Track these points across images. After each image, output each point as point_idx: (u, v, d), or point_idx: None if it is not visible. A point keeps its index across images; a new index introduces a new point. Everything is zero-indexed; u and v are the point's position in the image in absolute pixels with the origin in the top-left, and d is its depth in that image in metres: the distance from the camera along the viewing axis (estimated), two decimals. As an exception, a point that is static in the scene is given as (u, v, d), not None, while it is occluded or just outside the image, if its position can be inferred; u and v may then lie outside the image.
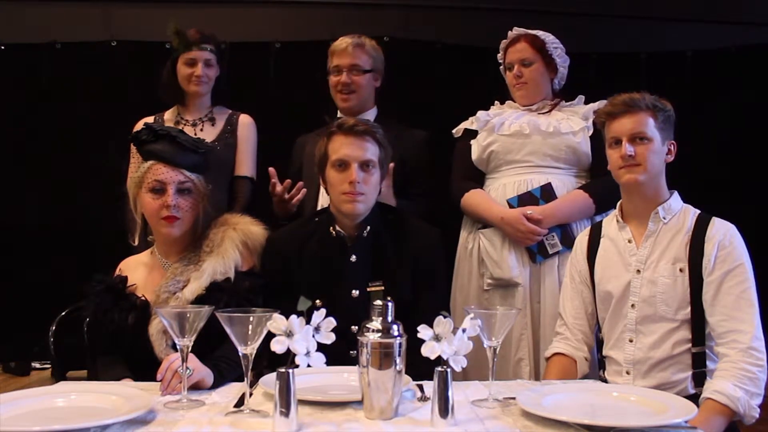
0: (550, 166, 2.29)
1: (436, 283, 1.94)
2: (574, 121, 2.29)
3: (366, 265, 1.87)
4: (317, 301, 1.62)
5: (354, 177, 1.83)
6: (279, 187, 2.27)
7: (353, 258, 1.88)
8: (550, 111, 2.35)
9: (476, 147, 2.37)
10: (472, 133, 2.41)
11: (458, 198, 2.35)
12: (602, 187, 2.20)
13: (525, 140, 2.28)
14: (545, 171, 2.28)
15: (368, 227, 1.90)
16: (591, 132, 2.28)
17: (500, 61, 2.48)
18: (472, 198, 2.32)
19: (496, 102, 2.50)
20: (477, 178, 2.39)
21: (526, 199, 2.24)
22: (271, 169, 2.29)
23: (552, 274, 2.21)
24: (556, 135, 2.27)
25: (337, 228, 1.90)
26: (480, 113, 2.41)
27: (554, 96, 2.41)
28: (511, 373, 2.19)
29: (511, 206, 2.24)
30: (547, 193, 2.24)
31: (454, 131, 2.50)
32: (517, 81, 2.37)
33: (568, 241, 2.20)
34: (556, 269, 2.21)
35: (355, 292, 1.84)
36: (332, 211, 1.93)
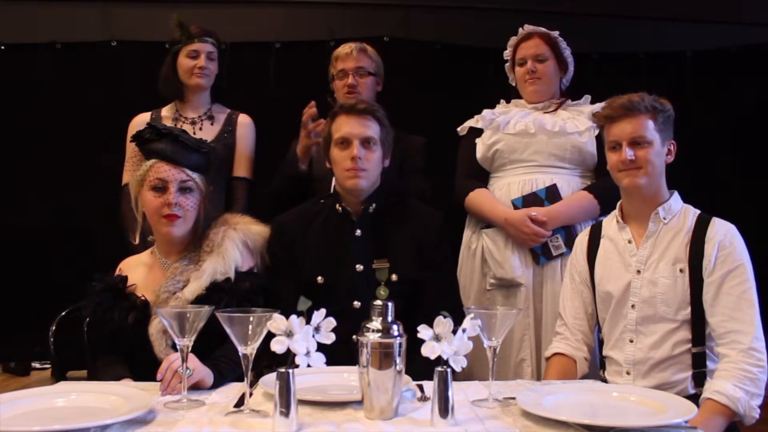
0: (555, 165, 2.27)
1: (441, 263, 1.94)
2: (579, 121, 2.28)
3: (371, 240, 1.89)
4: (319, 277, 1.66)
5: (356, 153, 1.88)
6: (310, 120, 2.34)
7: (358, 232, 1.91)
8: (556, 110, 2.34)
9: (481, 145, 2.36)
10: (476, 132, 2.40)
11: (462, 197, 2.34)
12: (607, 188, 2.18)
13: (530, 139, 2.27)
14: (550, 171, 2.27)
15: (373, 204, 1.93)
16: (597, 132, 2.26)
17: (507, 57, 2.46)
18: (476, 198, 2.31)
19: (501, 101, 2.48)
20: (481, 176, 2.38)
21: (531, 199, 2.23)
22: (312, 103, 2.35)
23: (555, 276, 2.20)
24: (562, 134, 2.25)
25: (343, 204, 1.94)
26: (485, 112, 2.40)
27: (561, 95, 2.40)
28: (512, 374, 2.18)
29: (515, 207, 2.23)
30: (552, 194, 2.23)
31: (459, 129, 2.49)
32: (530, 76, 2.35)
33: (572, 243, 2.18)
34: (559, 270, 2.20)
35: (360, 267, 1.86)
36: (338, 190, 1.98)
